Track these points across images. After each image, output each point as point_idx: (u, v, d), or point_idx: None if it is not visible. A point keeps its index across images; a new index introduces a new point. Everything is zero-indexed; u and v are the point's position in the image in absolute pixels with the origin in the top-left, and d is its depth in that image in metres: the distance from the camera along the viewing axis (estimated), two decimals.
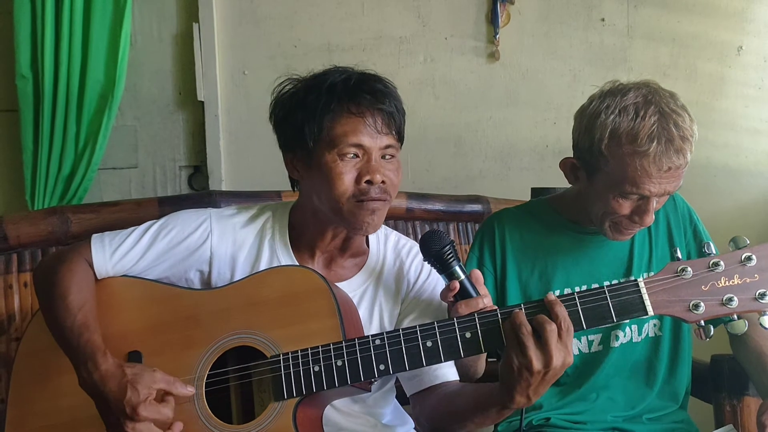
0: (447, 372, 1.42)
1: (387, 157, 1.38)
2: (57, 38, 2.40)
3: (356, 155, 1.34)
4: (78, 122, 2.43)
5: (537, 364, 1.15)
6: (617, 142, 1.41)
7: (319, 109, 1.34)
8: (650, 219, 1.45)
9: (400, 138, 1.40)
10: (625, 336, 1.58)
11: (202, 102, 2.64)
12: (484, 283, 1.39)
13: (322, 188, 1.36)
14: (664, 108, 1.41)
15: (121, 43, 2.43)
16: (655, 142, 1.38)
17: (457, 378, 1.44)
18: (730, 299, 1.17)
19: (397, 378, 1.55)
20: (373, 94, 1.35)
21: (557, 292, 1.52)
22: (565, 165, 1.56)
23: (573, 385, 1.59)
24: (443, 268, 1.35)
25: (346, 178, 1.33)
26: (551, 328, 1.15)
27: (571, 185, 1.62)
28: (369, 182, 1.33)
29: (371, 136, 1.34)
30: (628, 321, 1.57)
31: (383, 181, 1.35)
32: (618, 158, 1.41)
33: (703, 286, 1.19)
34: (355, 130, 1.33)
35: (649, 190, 1.41)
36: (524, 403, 1.19)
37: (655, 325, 1.60)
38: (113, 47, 2.44)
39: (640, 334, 1.59)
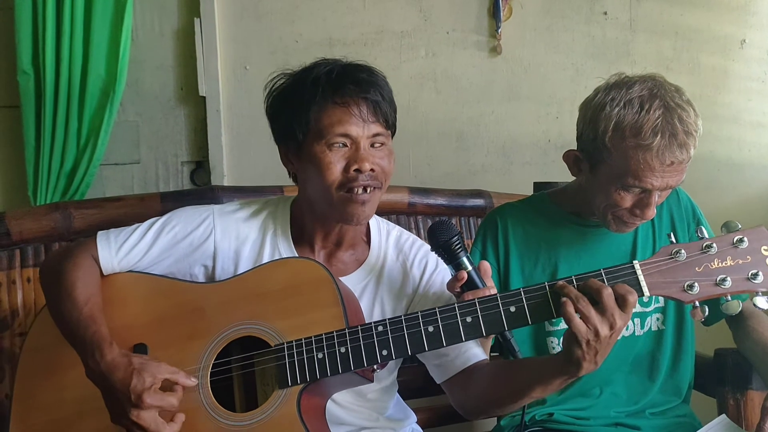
0: (477, 352, 1.42)
1: (376, 145, 1.38)
2: (58, 34, 2.39)
3: (345, 144, 1.36)
4: (80, 118, 2.43)
5: (603, 329, 1.16)
6: (621, 134, 1.41)
7: (305, 102, 1.36)
8: (652, 212, 1.45)
9: (389, 126, 1.41)
10: (627, 329, 1.58)
11: (204, 97, 2.63)
12: None
13: (314, 179, 1.38)
14: (669, 102, 1.41)
15: (123, 38, 2.42)
16: (658, 136, 1.38)
17: (486, 357, 1.44)
18: (724, 279, 1.20)
19: (398, 373, 1.56)
20: (357, 84, 1.36)
21: None
22: (569, 157, 1.56)
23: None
24: (451, 258, 1.36)
25: (335, 167, 1.35)
26: (608, 292, 1.17)
27: (572, 179, 1.62)
28: (358, 170, 1.34)
29: (358, 125, 1.35)
30: None
31: (372, 169, 1.36)
32: (621, 151, 1.41)
33: (696, 268, 1.21)
34: (341, 120, 1.35)
35: (651, 183, 1.41)
36: (592, 369, 1.21)
37: (658, 319, 1.60)
38: (114, 43, 2.43)
39: (642, 327, 1.59)
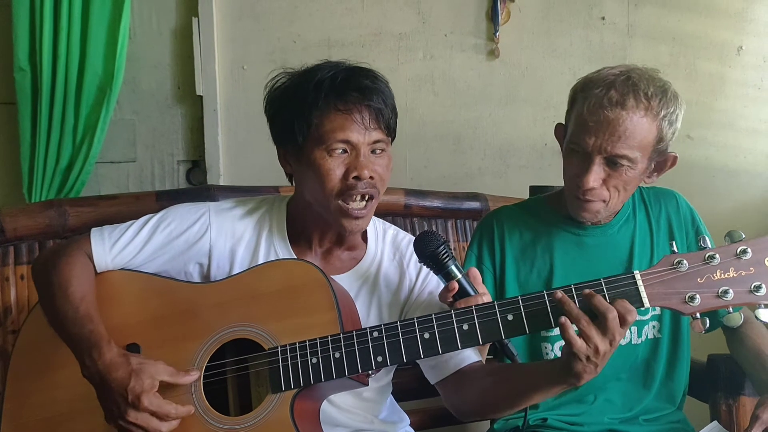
0: (471, 353, 1.42)
1: (377, 151, 1.38)
2: (55, 31, 2.39)
3: (345, 150, 1.35)
4: (76, 115, 2.43)
5: (603, 346, 1.16)
6: (581, 91, 1.42)
7: (307, 107, 1.35)
8: (588, 181, 1.41)
9: (390, 132, 1.41)
10: (624, 338, 1.57)
11: (201, 96, 2.63)
12: (483, 282, 1.39)
13: (312, 183, 1.37)
14: (634, 74, 1.40)
15: (120, 36, 2.42)
16: (599, 89, 1.37)
17: (480, 358, 1.44)
18: (726, 292, 1.17)
19: (393, 375, 1.56)
20: (360, 91, 1.35)
21: None
22: (558, 130, 1.57)
23: None
24: (439, 268, 1.34)
25: (335, 174, 1.34)
26: (613, 315, 1.16)
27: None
28: (357, 178, 1.34)
29: (359, 132, 1.35)
30: None
31: (371, 176, 1.35)
32: (575, 108, 1.42)
33: (698, 279, 1.18)
34: (342, 126, 1.34)
35: (585, 139, 1.38)
36: (592, 378, 1.21)
37: (654, 326, 1.60)
38: (112, 41, 2.43)
39: (639, 335, 1.58)
